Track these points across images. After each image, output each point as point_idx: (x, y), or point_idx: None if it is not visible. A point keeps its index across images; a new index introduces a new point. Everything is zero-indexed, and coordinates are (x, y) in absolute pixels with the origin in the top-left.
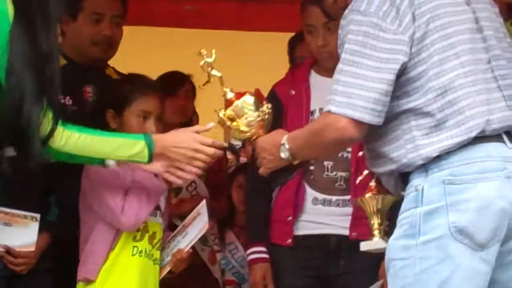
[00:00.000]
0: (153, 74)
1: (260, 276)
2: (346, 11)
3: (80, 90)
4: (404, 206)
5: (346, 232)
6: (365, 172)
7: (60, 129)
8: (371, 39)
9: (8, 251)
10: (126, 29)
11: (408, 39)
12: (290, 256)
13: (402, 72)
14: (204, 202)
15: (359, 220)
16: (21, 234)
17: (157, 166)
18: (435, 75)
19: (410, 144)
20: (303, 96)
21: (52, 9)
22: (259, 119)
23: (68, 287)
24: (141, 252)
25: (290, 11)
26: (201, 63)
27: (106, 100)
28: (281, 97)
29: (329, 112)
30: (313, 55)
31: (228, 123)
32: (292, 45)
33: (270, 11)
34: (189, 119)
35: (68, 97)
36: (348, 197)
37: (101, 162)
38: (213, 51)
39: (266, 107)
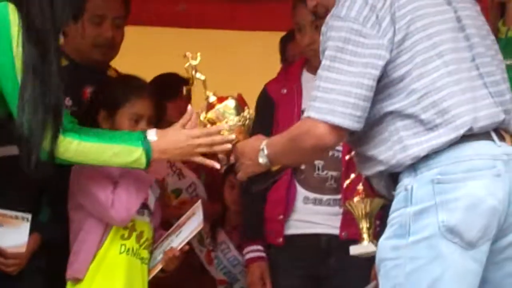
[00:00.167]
0: (145, 73)
1: (258, 275)
2: (328, 17)
3: (80, 91)
4: (394, 206)
5: (336, 231)
6: (352, 175)
7: (60, 136)
8: (350, 45)
9: None
10: None
11: (387, 43)
12: (281, 256)
13: (384, 75)
14: (199, 202)
15: (350, 219)
16: (12, 234)
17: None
18: (418, 76)
19: (398, 145)
20: (294, 95)
21: (58, 21)
22: (239, 123)
23: (58, 287)
24: (128, 250)
25: (282, 10)
26: (186, 65)
27: (99, 101)
28: (272, 95)
29: (308, 118)
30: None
31: (208, 126)
32: (284, 44)
33: (262, 11)
34: None
35: (68, 98)
36: (338, 196)
37: None
38: (198, 54)
39: (247, 112)
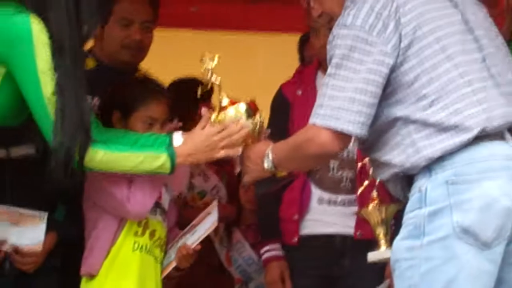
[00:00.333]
0: (157, 75)
1: (277, 274)
2: (334, 27)
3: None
4: (408, 207)
5: (351, 231)
6: (366, 182)
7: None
8: (356, 53)
9: (16, 250)
10: None
11: (391, 50)
12: (295, 256)
13: (392, 80)
14: (215, 202)
15: (365, 219)
16: (28, 233)
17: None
18: (429, 81)
19: (411, 148)
20: (309, 96)
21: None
22: (248, 128)
23: (74, 285)
24: (141, 247)
25: (296, 12)
26: (203, 68)
27: (113, 102)
28: (288, 96)
29: (313, 125)
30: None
31: None
32: (302, 44)
33: (276, 12)
34: None
35: (96, 98)
36: (353, 196)
37: None
38: (216, 57)
39: (258, 118)
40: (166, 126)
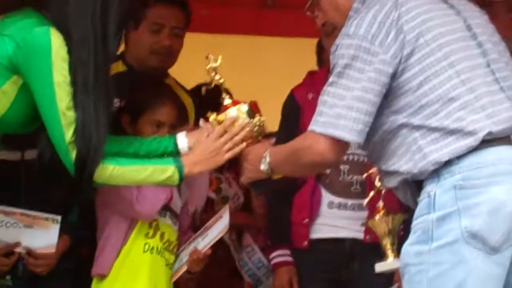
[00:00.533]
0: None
1: (286, 279)
2: (337, 37)
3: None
4: (417, 212)
5: (361, 235)
6: (371, 193)
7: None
8: (358, 62)
9: (29, 252)
10: None
11: (390, 58)
12: (305, 259)
13: (394, 88)
14: (227, 206)
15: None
16: (42, 236)
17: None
18: (431, 89)
19: (418, 154)
20: None
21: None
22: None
23: (87, 287)
24: (152, 249)
25: (307, 16)
26: (207, 67)
27: (123, 105)
28: (299, 100)
29: (311, 132)
30: None
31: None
32: (321, 47)
33: (287, 16)
34: None
35: (123, 102)
36: (363, 201)
37: None
38: (220, 57)
39: (258, 119)
40: (176, 130)
